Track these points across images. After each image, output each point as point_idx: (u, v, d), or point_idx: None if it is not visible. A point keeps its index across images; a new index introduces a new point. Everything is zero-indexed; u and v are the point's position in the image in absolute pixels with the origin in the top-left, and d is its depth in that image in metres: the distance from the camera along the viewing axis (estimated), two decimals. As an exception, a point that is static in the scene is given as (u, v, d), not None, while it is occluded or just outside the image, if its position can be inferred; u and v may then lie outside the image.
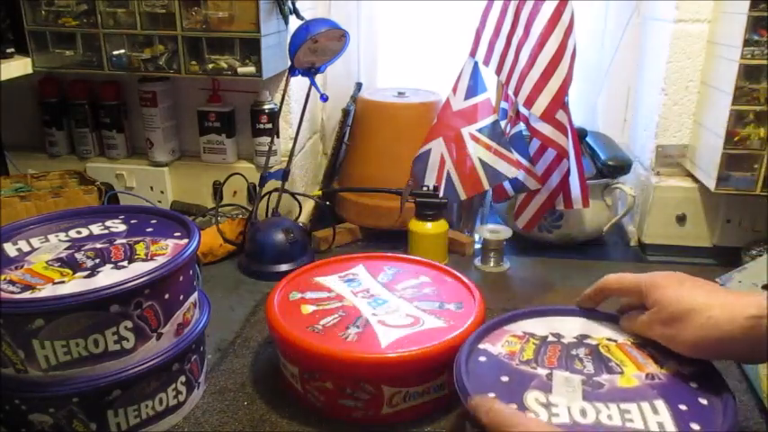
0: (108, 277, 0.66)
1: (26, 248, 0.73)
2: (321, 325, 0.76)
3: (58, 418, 0.66)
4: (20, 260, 0.70)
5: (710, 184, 1.10)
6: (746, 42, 1.01)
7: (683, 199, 1.20)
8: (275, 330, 0.76)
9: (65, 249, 0.73)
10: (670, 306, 0.60)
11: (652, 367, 0.60)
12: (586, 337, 0.66)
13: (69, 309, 0.62)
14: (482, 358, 0.62)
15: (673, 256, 1.21)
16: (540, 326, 0.68)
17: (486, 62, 1.14)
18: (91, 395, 0.66)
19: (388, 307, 0.80)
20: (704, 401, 0.56)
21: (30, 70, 1.15)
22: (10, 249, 0.73)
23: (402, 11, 1.45)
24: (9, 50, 1.11)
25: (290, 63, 1.12)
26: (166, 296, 0.69)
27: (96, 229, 0.78)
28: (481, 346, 0.64)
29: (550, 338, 0.66)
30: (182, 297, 0.72)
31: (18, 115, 1.34)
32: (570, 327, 0.68)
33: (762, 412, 0.76)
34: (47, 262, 0.70)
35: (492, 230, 1.16)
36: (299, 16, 1.19)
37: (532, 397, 0.56)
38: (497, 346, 0.64)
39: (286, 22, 1.20)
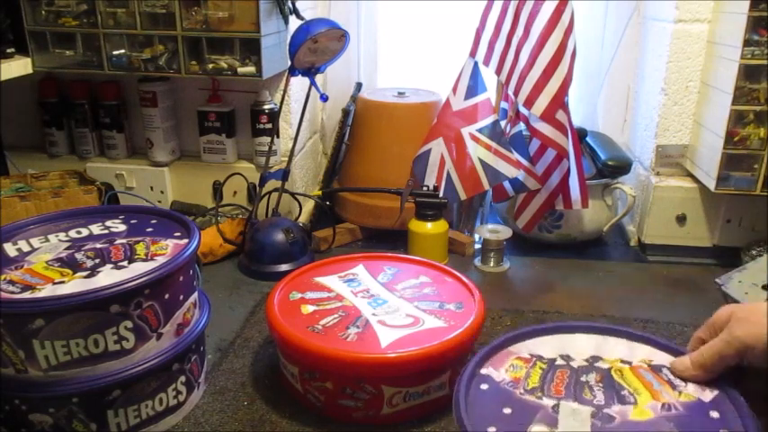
0: (108, 277, 0.66)
1: (26, 248, 0.73)
2: (321, 325, 0.75)
3: (57, 418, 0.66)
4: (20, 260, 0.70)
5: (710, 184, 1.10)
6: (746, 42, 1.01)
7: (683, 199, 1.20)
8: (275, 330, 0.76)
9: (65, 249, 0.73)
10: (742, 309, 0.57)
11: (669, 395, 0.56)
12: (598, 359, 0.61)
13: (69, 309, 0.62)
14: (484, 386, 0.58)
15: (673, 256, 1.20)
16: (547, 346, 0.63)
17: (486, 62, 1.14)
18: (91, 395, 0.66)
19: (388, 307, 0.80)
20: None
21: (30, 70, 1.15)
22: (10, 249, 0.73)
23: (402, 11, 1.45)
24: (9, 50, 1.11)
25: (289, 63, 1.12)
26: (166, 296, 0.69)
27: (96, 229, 0.78)
28: (484, 371, 0.59)
29: (558, 361, 0.61)
30: (182, 297, 0.72)
31: (18, 115, 1.34)
32: (581, 346, 0.63)
33: (762, 412, 0.75)
34: (47, 262, 0.70)
35: (492, 230, 1.16)
36: (299, 16, 1.19)
37: None
38: (501, 371, 0.59)
39: (286, 22, 1.20)
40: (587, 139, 1.26)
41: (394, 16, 1.46)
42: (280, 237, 1.11)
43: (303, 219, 1.28)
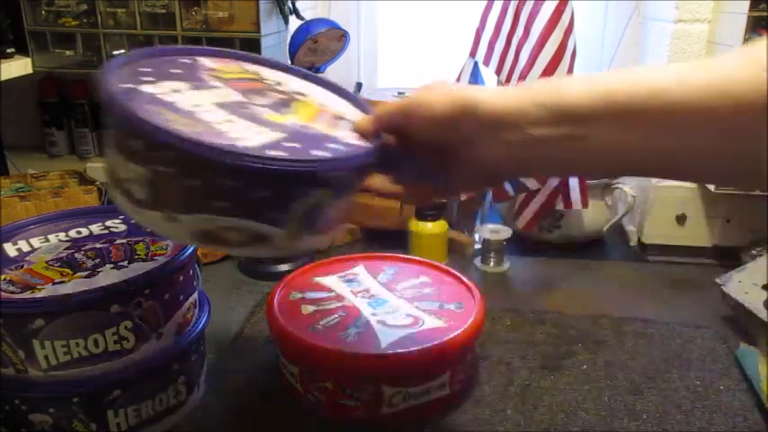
0: (108, 277, 0.66)
1: (26, 248, 0.73)
2: (321, 325, 0.76)
3: (57, 418, 0.66)
4: (20, 260, 0.70)
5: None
6: (746, 42, 1.01)
7: (683, 199, 1.20)
8: (275, 330, 0.76)
9: (65, 249, 0.73)
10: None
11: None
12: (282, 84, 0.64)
13: (69, 309, 0.62)
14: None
15: (673, 256, 1.20)
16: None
17: (486, 62, 1.14)
18: (91, 395, 0.66)
19: (388, 307, 0.80)
20: None
21: (30, 70, 1.15)
22: (10, 249, 0.73)
23: (402, 11, 1.45)
24: (9, 50, 1.11)
25: (290, 63, 1.12)
26: (166, 296, 0.69)
27: (96, 228, 0.78)
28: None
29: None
30: (182, 297, 0.72)
31: (18, 115, 1.34)
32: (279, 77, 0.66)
33: (762, 412, 0.76)
34: (47, 262, 0.70)
35: (492, 230, 1.16)
36: (299, 16, 1.19)
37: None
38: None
39: (286, 22, 1.20)
40: (587, 139, 1.26)
41: (394, 16, 1.46)
42: (280, 237, 1.11)
43: (303, 219, 1.28)
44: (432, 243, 1.15)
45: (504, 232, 1.15)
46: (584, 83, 0.46)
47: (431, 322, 0.76)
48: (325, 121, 0.59)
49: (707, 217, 1.20)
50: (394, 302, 0.81)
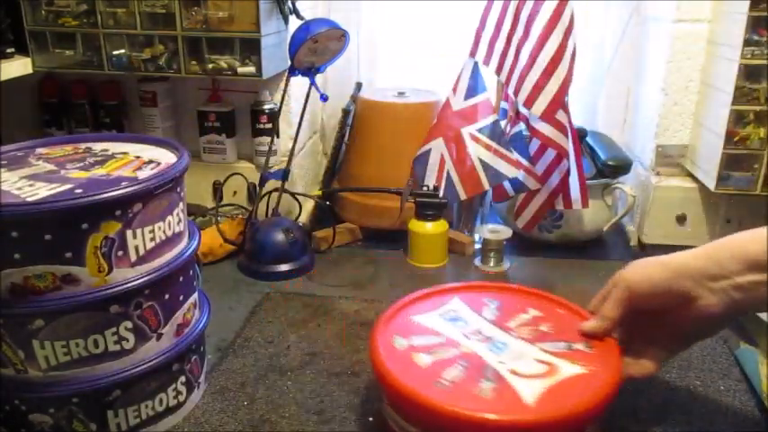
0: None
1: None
2: (447, 380, 0.65)
3: (57, 418, 0.66)
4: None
5: (710, 184, 1.10)
6: (746, 42, 1.01)
7: (683, 199, 1.20)
8: (395, 389, 0.64)
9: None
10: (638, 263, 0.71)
11: None
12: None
13: (69, 309, 0.62)
14: None
15: (673, 256, 1.20)
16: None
17: (486, 62, 1.14)
18: (91, 395, 0.66)
19: (511, 352, 0.70)
20: None
21: (30, 70, 1.15)
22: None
23: (402, 11, 1.45)
24: (9, 50, 1.11)
25: (289, 63, 1.12)
26: (166, 296, 0.69)
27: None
28: None
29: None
30: (182, 297, 0.72)
31: (18, 115, 1.34)
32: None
33: (762, 412, 0.76)
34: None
35: (492, 230, 1.16)
36: (299, 16, 1.19)
37: None
38: None
39: (286, 22, 1.20)
40: (587, 139, 1.26)
41: (394, 16, 1.46)
42: (280, 237, 1.11)
43: (303, 219, 1.28)
44: (432, 243, 1.15)
45: (504, 232, 1.15)
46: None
47: (568, 369, 0.66)
48: (131, 168, 0.70)
49: (707, 217, 1.20)
50: (515, 345, 0.71)
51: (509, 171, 1.12)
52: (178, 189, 0.71)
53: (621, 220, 1.24)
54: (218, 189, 1.28)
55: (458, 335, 0.73)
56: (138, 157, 0.74)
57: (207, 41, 1.12)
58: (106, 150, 0.77)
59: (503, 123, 1.17)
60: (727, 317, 0.64)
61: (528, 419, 0.59)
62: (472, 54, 1.15)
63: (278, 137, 1.25)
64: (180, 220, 0.71)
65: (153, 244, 0.67)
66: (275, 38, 1.17)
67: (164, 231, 0.68)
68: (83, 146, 0.79)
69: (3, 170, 0.69)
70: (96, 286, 0.63)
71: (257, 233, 1.13)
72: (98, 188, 0.62)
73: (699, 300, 0.64)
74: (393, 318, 0.76)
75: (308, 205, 1.33)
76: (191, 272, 0.75)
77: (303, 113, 1.19)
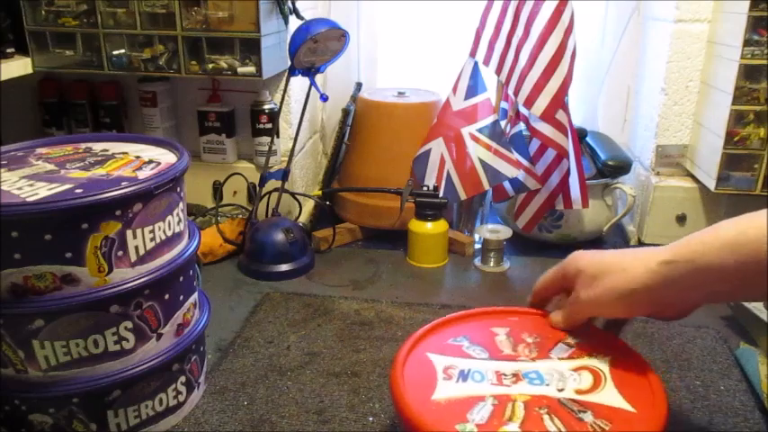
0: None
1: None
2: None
3: (57, 418, 0.66)
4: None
5: (710, 184, 1.10)
6: (746, 42, 1.01)
7: (683, 199, 1.20)
8: None
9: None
10: (589, 268, 0.62)
11: None
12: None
13: (69, 309, 0.62)
14: None
15: (673, 256, 1.20)
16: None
17: (486, 62, 1.15)
18: (91, 395, 0.66)
19: (549, 377, 0.61)
20: None
21: (30, 70, 1.15)
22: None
23: (402, 11, 1.45)
24: (9, 50, 1.11)
25: (290, 63, 1.12)
26: (166, 296, 0.69)
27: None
28: None
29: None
30: (182, 297, 0.72)
31: (18, 115, 1.34)
32: None
33: (762, 412, 0.76)
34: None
35: (492, 230, 1.16)
36: (299, 16, 1.19)
37: None
38: None
39: (286, 22, 1.20)
40: (587, 138, 1.26)
41: (394, 16, 1.46)
42: (280, 237, 1.11)
43: (303, 219, 1.28)
44: (432, 243, 1.15)
45: (504, 232, 1.15)
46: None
47: (600, 365, 0.62)
48: (131, 168, 0.70)
49: (707, 217, 1.20)
50: (543, 368, 0.63)
51: (509, 171, 1.12)
52: (178, 189, 0.71)
53: (621, 220, 1.24)
54: (218, 189, 1.28)
55: (486, 387, 0.60)
56: (138, 157, 0.74)
57: (207, 41, 1.12)
58: (106, 150, 0.77)
59: (503, 123, 1.17)
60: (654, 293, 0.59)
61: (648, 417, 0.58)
62: (472, 54, 1.16)
63: (278, 137, 1.25)
64: (180, 220, 0.71)
65: (153, 244, 0.67)
66: (275, 38, 1.17)
67: (164, 231, 0.68)
68: (83, 146, 0.79)
69: (3, 170, 0.69)
70: (96, 286, 0.63)
71: (257, 233, 1.13)
72: (98, 188, 0.62)
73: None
74: (408, 354, 0.64)
75: (308, 205, 1.33)
76: (191, 272, 0.75)
77: (303, 113, 1.19)
